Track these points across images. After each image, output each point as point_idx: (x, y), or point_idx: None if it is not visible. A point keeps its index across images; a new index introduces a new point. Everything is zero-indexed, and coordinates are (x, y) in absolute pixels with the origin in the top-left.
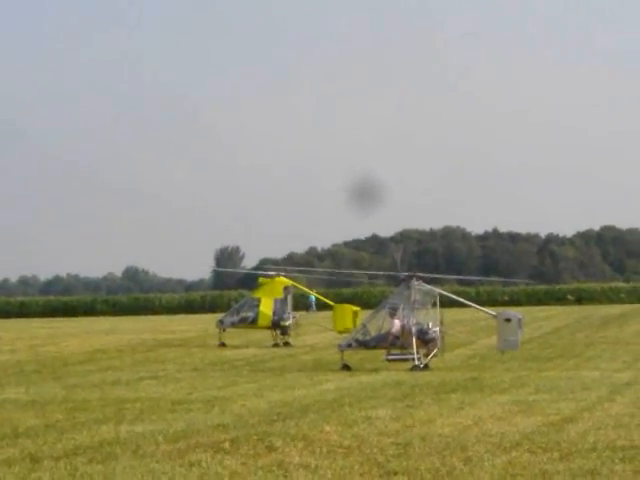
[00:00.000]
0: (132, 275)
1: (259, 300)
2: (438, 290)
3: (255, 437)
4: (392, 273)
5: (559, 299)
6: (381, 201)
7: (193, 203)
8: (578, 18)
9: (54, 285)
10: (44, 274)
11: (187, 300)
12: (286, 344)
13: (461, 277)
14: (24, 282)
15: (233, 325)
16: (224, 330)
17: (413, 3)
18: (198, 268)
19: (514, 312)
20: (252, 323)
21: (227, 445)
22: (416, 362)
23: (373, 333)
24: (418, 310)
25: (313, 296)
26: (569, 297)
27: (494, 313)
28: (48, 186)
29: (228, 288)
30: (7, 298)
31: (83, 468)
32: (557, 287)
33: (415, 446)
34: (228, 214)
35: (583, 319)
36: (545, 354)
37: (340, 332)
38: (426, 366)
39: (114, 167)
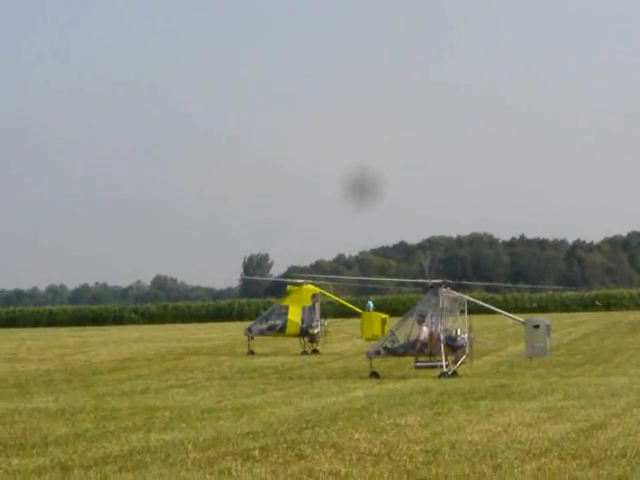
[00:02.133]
0: (161, 283)
1: (287, 308)
2: (466, 297)
3: (284, 445)
4: (420, 280)
5: (587, 305)
6: (379, 194)
7: (222, 211)
8: (610, 16)
9: (82, 294)
10: (72, 283)
11: (216, 308)
12: (314, 352)
13: (489, 284)
14: (52, 291)
15: (261, 333)
16: (252, 338)
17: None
18: (227, 276)
19: (542, 318)
20: (280, 331)
21: (257, 453)
22: (444, 369)
23: (401, 340)
24: (446, 317)
25: (371, 302)
26: (597, 303)
27: (522, 320)
28: (76, 197)
29: (256, 296)
30: (36, 307)
31: (113, 477)
32: (585, 293)
33: (444, 453)
34: (256, 222)
35: (611, 325)
36: (574, 360)
37: (368, 339)
38: (454, 373)
39: (142, 178)
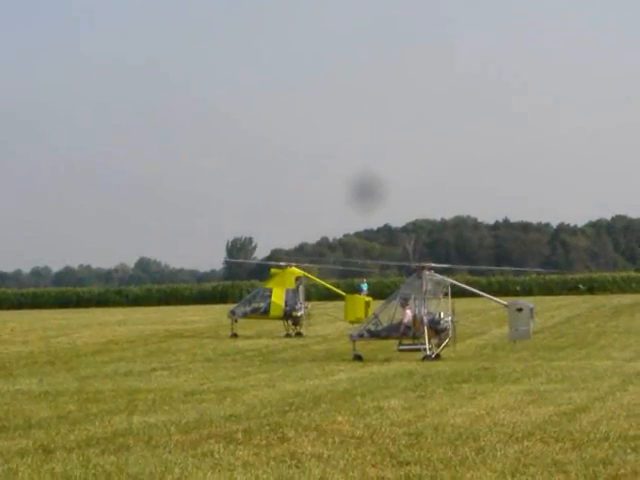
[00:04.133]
0: (144, 266)
1: (271, 291)
2: (450, 280)
3: (267, 427)
4: (404, 263)
5: (571, 289)
6: (383, 197)
7: (205, 194)
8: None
9: (66, 276)
10: (56, 265)
11: (199, 291)
12: (298, 334)
13: (473, 267)
14: (36, 273)
15: (245, 316)
16: (236, 321)
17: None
18: (210, 259)
19: (526, 302)
20: (264, 314)
21: (239, 435)
22: (428, 352)
23: (385, 323)
24: (430, 300)
25: (364, 285)
26: (581, 287)
27: (506, 303)
28: (60, 178)
29: (240, 279)
30: (20, 289)
31: (96, 459)
32: (569, 277)
33: (427, 436)
34: (240, 205)
35: (595, 309)
36: (557, 344)
37: (351, 322)
38: (438, 356)
39: (126, 158)
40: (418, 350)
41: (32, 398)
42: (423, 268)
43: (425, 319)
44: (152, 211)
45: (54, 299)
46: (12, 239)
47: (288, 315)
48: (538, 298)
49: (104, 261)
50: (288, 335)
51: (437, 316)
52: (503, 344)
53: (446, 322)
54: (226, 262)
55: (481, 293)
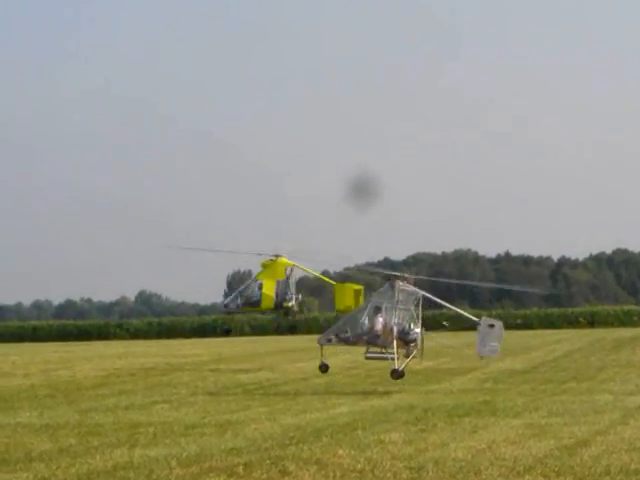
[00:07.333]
0: (145, 299)
1: (261, 283)
2: (422, 292)
3: (268, 461)
4: (380, 270)
5: (572, 322)
6: (377, 196)
7: (205, 226)
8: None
9: (67, 309)
10: (57, 298)
11: (200, 324)
12: (292, 328)
13: (467, 297)
14: (37, 306)
15: (238, 308)
16: (231, 314)
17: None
18: (211, 292)
19: (496, 320)
20: (256, 305)
21: (240, 469)
22: (396, 364)
23: (355, 330)
24: (401, 310)
25: None
26: (581, 320)
27: (477, 319)
28: (60, 211)
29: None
30: (21, 322)
31: None
32: (570, 310)
33: (429, 470)
34: (241, 237)
35: (596, 342)
36: (558, 377)
37: (340, 312)
38: (402, 372)
39: (126, 190)
40: (385, 359)
41: (33, 431)
42: (397, 278)
43: (395, 329)
44: (153, 244)
45: (55, 332)
46: (13, 272)
47: (279, 306)
48: (539, 332)
49: (105, 294)
50: (279, 327)
51: (407, 327)
52: (504, 378)
53: (415, 333)
54: (226, 295)
55: (452, 307)
